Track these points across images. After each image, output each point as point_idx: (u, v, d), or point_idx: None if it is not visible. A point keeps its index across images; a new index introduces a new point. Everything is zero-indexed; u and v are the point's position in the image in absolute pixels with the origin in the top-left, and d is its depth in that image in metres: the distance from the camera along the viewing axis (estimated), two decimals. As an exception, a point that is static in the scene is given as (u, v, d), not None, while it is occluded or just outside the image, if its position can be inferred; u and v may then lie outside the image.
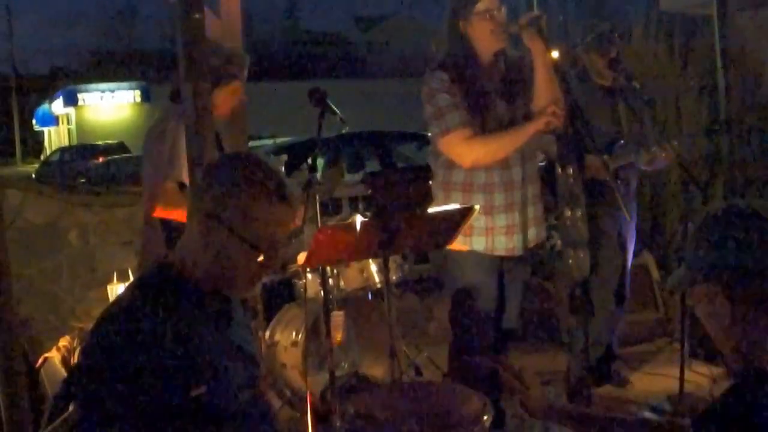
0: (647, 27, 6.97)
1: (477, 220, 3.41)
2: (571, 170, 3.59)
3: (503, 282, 3.64)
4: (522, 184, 3.52)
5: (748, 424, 1.66)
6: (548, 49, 3.36)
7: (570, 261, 3.59)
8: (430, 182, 3.63)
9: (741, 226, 1.74)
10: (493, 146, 3.42)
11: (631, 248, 4.52)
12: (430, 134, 3.59)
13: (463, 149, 3.41)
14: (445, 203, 3.42)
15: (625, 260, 4.47)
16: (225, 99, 3.61)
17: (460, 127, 3.39)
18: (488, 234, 3.49)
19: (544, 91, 3.42)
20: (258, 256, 1.91)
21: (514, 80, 3.54)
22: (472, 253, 3.50)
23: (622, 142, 4.28)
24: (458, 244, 3.39)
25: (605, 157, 4.18)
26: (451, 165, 3.51)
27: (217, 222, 1.89)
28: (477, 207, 3.20)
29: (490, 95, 3.47)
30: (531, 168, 3.58)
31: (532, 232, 3.58)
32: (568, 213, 3.60)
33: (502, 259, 3.56)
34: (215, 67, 3.47)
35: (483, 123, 3.42)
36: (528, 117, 3.49)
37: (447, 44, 3.51)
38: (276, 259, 1.97)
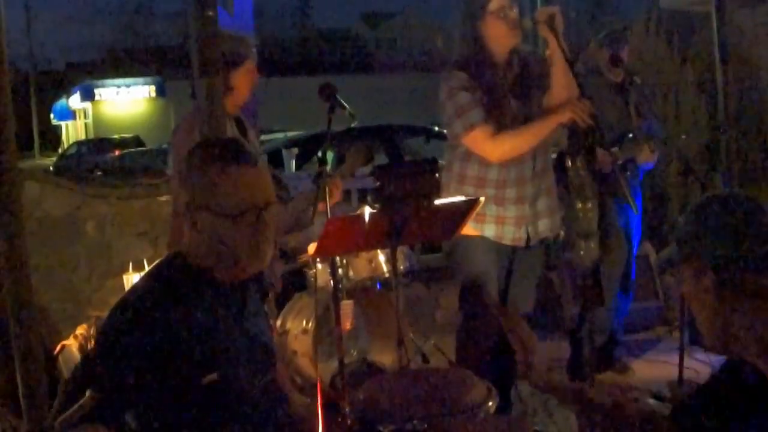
0: (647, 24, 6.99)
1: (489, 208, 3.45)
2: (580, 162, 3.65)
3: (512, 271, 3.67)
4: (533, 178, 3.54)
5: (723, 415, 1.68)
6: (562, 45, 3.36)
7: (582, 252, 3.66)
8: (440, 174, 3.68)
9: (741, 215, 1.71)
10: (518, 140, 3.44)
11: (636, 239, 4.61)
12: (447, 132, 3.59)
13: (489, 145, 3.42)
14: (457, 195, 3.44)
15: (630, 251, 4.56)
16: (242, 80, 3.60)
17: (482, 123, 3.40)
18: (498, 223, 3.52)
19: (560, 86, 3.42)
20: (237, 223, 1.93)
21: (527, 78, 3.55)
22: (482, 240, 3.53)
23: (630, 135, 4.36)
24: (471, 230, 3.44)
25: (614, 150, 4.27)
26: (466, 158, 3.53)
27: (193, 206, 1.95)
28: (482, 199, 3.24)
29: (505, 94, 3.48)
30: (543, 161, 3.59)
31: (543, 224, 3.60)
32: (580, 205, 3.66)
33: (514, 249, 3.60)
34: (228, 52, 3.48)
35: (499, 122, 3.43)
36: (542, 114, 3.49)
37: (460, 45, 3.52)
38: (260, 221, 1.96)
